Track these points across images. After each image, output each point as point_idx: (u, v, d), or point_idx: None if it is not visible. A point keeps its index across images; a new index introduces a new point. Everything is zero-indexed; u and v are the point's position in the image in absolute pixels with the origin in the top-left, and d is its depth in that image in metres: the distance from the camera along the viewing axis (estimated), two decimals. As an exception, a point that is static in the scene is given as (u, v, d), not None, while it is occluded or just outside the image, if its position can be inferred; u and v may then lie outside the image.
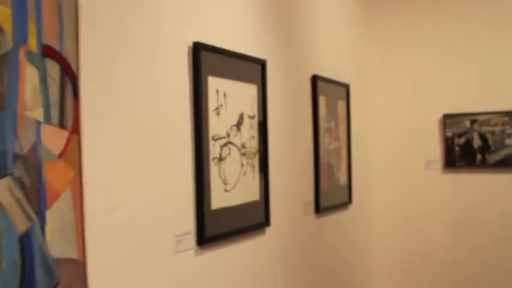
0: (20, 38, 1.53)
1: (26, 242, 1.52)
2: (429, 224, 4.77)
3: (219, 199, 2.50)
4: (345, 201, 4.13)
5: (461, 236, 4.68)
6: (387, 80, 4.87)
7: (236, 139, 2.66)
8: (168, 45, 2.22)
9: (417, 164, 4.81)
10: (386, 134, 4.88)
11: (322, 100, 3.69)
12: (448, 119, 4.68)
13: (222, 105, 2.54)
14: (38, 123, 1.57)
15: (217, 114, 2.50)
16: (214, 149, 2.47)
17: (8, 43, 1.49)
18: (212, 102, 2.46)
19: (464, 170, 4.68)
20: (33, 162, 1.55)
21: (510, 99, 4.52)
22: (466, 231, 4.66)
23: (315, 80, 3.60)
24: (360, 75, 4.61)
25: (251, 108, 2.80)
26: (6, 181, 1.47)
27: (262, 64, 2.90)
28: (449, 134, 4.70)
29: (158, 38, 2.16)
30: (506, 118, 4.51)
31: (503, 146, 4.54)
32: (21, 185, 1.51)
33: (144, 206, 2.04)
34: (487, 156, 4.60)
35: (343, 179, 4.08)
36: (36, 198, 1.56)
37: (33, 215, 1.55)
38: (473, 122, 4.62)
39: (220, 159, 2.53)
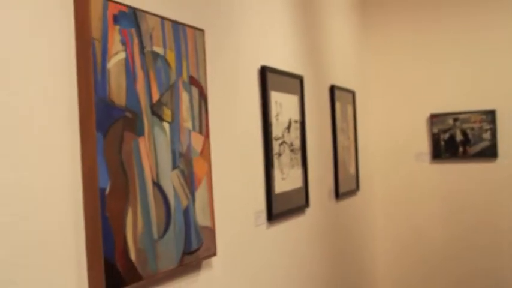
0: (179, 72, 2.10)
1: (186, 214, 2.10)
2: (420, 206, 5.38)
3: (279, 185, 3.08)
4: (354, 189, 4.71)
5: (448, 215, 5.29)
6: (383, 85, 5.47)
7: (287, 139, 3.24)
8: (246, 68, 2.79)
9: (409, 156, 5.41)
10: (382, 131, 5.47)
11: (337, 105, 4.29)
12: (434, 118, 5.29)
13: (278, 113, 3.12)
14: (189, 131, 2.15)
15: (277, 120, 3.09)
16: (275, 147, 3.05)
17: (173, 76, 2.06)
18: (273, 111, 3.04)
19: (448, 161, 5.30)
20: (188, 159, 2.13)
21: (487, 101, 5.15)
22: (452, 211, 5.27)
23: (332, 89, 4.20)
24: (361, 82, 5.21)
25: (295, 114, 3.38)
26: (176, 172, 2.05)
27: (300, 79, 3.49)
28: (435, 130, 5.30)
29: (239, 63, 2.73)
30: (484, 116, 5.13)
31: (481, 139, 5.16)
32: (182, 174, 2.09)
33: (238, 189, 2.62)
34: (467, 148, 5.22)
35: (352, 170, 4.68)
36: (189, 183, 2.13)
37: (189, 195, 2.12)
38: (455, 120, 5.23)
39: (279, 154, 3.11)
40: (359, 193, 4.86)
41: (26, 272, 1.44)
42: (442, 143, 5.27)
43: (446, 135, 5.25)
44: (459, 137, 5.21)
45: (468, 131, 5.18)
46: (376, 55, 5.46)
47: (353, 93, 4.78)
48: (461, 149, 5.21)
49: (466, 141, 5.19)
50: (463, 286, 5.20)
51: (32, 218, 1.47)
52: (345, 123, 4.50)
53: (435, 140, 5.29)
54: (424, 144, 5.35)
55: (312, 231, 3.60)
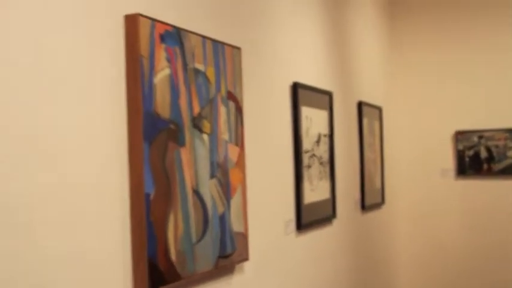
0: (218, 87, 2.22)
1: (222, 220, 2.21)
2: (444, 221, 5.43)
3: (308, 196, 3.18)
4: (380, 202, 4.79)
5: (470, 230, 5.34)
6: (409, 102, 5.54)
7: (316, 152, 3.35)
8: (278, 84, 2.91)
9: (434, 172, 5.47)
10: (408, 147, 5.54)
11: (365, 121, 4.38)
12: (460, 135, 5.36)
13: (308, 127, 3.23)
14: (226, 142, 2.26)
15: (307, 133, 3.19)
16: (305, 160, 3.16)
17: (213, 91, 2.18)
18: (304, 125, 3.15)
19: (473, 177, 5.35)
20: (224, 168, 2.24)
21: (510, 119, 5.21)
22: (475, 227, 5.32)
23: (360, 105, 4.30)
24: (388, 99, 5.30)
25: (324, 128, 3.48)
26: (214, 181, 2.16)
27: (330, 95, 3.59)
28: (460, 147, 5.37)
29: (272, 79, 2.85)
30: (508, 134, 5.19)
31: (506, 157, 5.22)
32: (219, 182, 2.20)
33: (269, 198, 2.73)
34: (492, 165, 5.27)
35: (378, 183, 4.76)
36: (225, 192, 2.25)
37: (225, 203, 2.24)
38: (480, 137, 5.29)
39: (309, 167, 3.21)
40: (384, 206, 4.94)
41: (80, 269, 1.56)
42: (467, 159, 5.33)
43: (471, 152, 5.31)
44: (484, 154, 5.27)
45: (493, 149, 5.23)
46: (403, 73, 5.54)
47: (380, 109, 4.87)
48: (485, 166, 5.27)
49: (491, 158, 5.25)
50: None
51: (86, 220, 1.59)
52: (372, 138, 4.59)
53: (460, 156, 5.35)
54: (449, 161, 5.41)
55: (338, 242, 3.69)
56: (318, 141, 3.36)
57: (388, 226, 5.08)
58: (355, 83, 4.25)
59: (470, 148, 5.31)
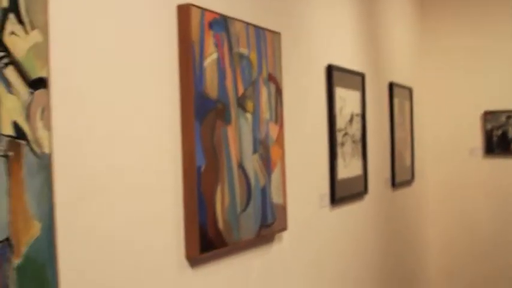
0: (259, 70, 2.36)
1: (264, 192, 2.36)
2: (471, 198, 5.52)
3: (341, 172, 3.32)
4: (409, 179, 4.91)
5: (497, 207, 5.43)
6: (439, 82, 5.61)
7: (349, 130, 3.47)
8: (314, 66, 3.04)
9: (463, 150, 5.55)
10: (438, 126, 5.62)
11: (396, 101, 4.49)
12: (488, 115, 5.42)
13: (342, 107, 3.36)
14: (267, 121, 2.41)
15: (340, 113, 3.32)
16: (339, 138, 3.29)
17: (255, 73, 2.33)
18: (337, 105, 3.28)
19: (500, 156, 5.42)
20: (266, 145, 2.39)
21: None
22: (502, 203, 5.40)
23: (391, 86, 4.40)
24: (418, 79, 5.38)
25: (357, 108, 3.61)
26: (256, 156, 2.31)
27: (362, 76, 3.71)
28: (488, 127, 5.43)
29: (309, 62, 2.98)
30: (536, 114, 5.26)
31: (533, 136, 5.29)
32: (261, 158, 2.35)
33: (305, 173, 2.88)
34: (519, 144, 5.35)
35: (407, 161, 4.87)
36: (267, 166, 2.40)
37: (266, 177, 2.39)
38: (508, 117, 5.35)
39: (342, 144, 3.35)
40: (414, 183, 5.05)
41: (141, 233, 1.73)
42: (495, 138, 5.39)
43: (499, 132, 5.37)
44: (511, 133, 5.33)
45: (520, 128, 5.29)
46: (433, 54, 5.61)
47: (410, 90, 4.96)
48: (513, 145, 5.33)
49: (518, 137, 5.31)
50: (509, 272, 5.34)
51: (147, 192, 1.76)
52: (402, 118, 4.69)
53: (488, 136, 5.41)
54: (477, 140, 5.48)
55: (369, 216, 3.83)
56: (350, 121, 3.49)
57: (417, 202, 5.19)
58: (386, 65, 4.36)
59: (498, 128, 5.38)
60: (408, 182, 4.85)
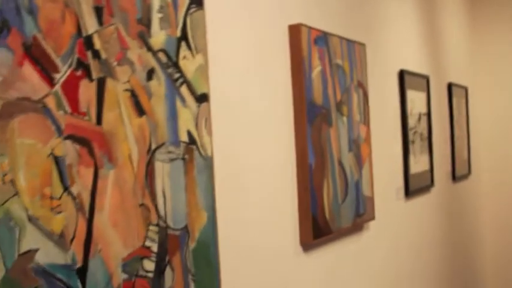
0: (351, 78, 2.58)
1: (357, 186, 2.58)
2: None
3: (413, 167, 3.51)
4: (467, 173, 5.05)
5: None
6: (492, 82, 5.74)
7: (418, 129, 3.66)
8: (389, 72, 3.24)
9: (515, 145, 5.69)
10: (490, 123, 5.75)
11: (454, 100, 4.65)
12: (539, 110, 5.54)
13: (412, 107, 3.55)
14: (358, 122, 2.63)
15: (411, 114, 3.51)
16: (410, 136, 3.48)
17: (348, 81, 2.55)
18: (409, 106, 3.48)
19: (552, 149, 5.54)
20: (357, 144, 2.61)
21: None
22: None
23: (450, 86, 4.57)
24: (473, 79, 5.52)
25: (424, 108, 3.79)
26: (351, 154, 2.53)
27: (427, 78, 3.89)
28: (540, 121, 5.55)
29: (386, 68, 3.18)
30: None
31: None
32: (355, 155, 2.57)
33: (386, 168, 3.08)
34: None
35: (465, 156, 5.02)
36: (359, 163, 2.61)
37: (359, 172, 2.60)
38: (559, 112, 5.46)
39: (413, 142, 3.54)
40: (471, 176, 5.20)
41: (268, 221, 1.97)
42: (546, 132, 5.49)
43: (550, 126, 5.47)
44: (563, 127, 5.42)
45: None
46: (486, 55, 5.74)
47: (466, 89, 5.11)
48: None
49: None
50: None
51: (273, 186, 2.00)
52: (459, 116, 4.84)
53: (540, 130, 5.51)
54: (530, 135, 5.59)
55: (435, 207, 4.01)
56: (419, 120, 3.67)
57: (474, 194, 5.34)
58: (445, 66, 4.52)
59: (549, 122, 5.47)
60: (466, 176, 5.00)
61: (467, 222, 5.04)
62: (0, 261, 1.07)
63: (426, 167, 3.80)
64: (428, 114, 3.87)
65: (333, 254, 2.42)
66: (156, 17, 1.45)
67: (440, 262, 4.10)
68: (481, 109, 5.73)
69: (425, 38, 4.00)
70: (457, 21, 5.12)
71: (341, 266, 2.50)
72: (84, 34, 1.25)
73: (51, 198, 1.17)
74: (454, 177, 4.56)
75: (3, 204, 1.07)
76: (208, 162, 1.62)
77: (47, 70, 1.17)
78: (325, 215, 2.27)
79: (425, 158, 3.78)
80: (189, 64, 1.57)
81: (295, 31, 2.16)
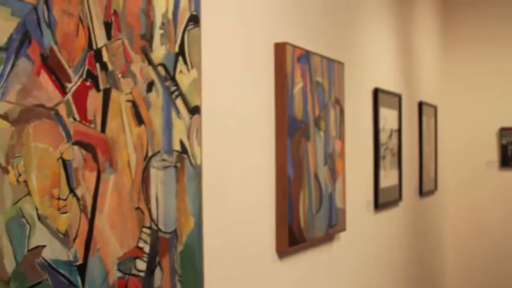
0: (329, 94, 2.71)
1: (330, 198, 2.71)
2: (487, 207, 5.85)
3: (383, 181, 3.66)
4: (433, 189, 5.24)
5: (510, 215, 5.77)
6: (460, 101, 5.96)
7: (389, 145, 3.82)
8: (364, 90, 3.39)
9: (480, 163, 5.88)
10: (458, 141, 5.96)
11: (424, 118, 4.83)
12: (504, 131, 5.75)
13: (384, 124, 3.70)
14: (334, 137, 2.76)
15: (383, 129, 3.66)
16: (381, 151, 3.63)
17: (326, 98, 2.68)
18: (381, 123, 3.63)
19: (514, 169, 5.76)
20: (332, 158, 2.73)
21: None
22: (515, 213, 5.76)
23: (421, 105, 4.74)
24: (442, 99, 5.72)
25: (395, 125, 3.95)
26: (326, 167, 2.66)
27: (399, 97, 4.05)
28: (504, 142, 5.76)
29: (361, 86, 3.33)
30: (548, 132, 5.58)
31: (545, 152, 5.61)
32: (329, 169, 2.70)
33: (357, 182, 3.22)
34: (532, 159, 5.67)
35: (432, 172, 5.20)
36: (333, 176, 2.74)
37: (333, 185, 2.73)
38: (522, 134, 5.69)
39: (384, 157, 3.69)
40: (437, 192, 5.38)
41: (247, 229, 2.08)
42: (510, 153, 5.72)
43: (514, 147, 5.70)
44: (525, 148, 5.65)
45: (533, 144, 5.61)
46: (455, 76, 5.96)
47: (435, 108, 5.30)
48: (526, 159, 5.65)
49: (531, 152, 5.63)
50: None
51: (254, 196, 2.11)
52: (428, 133, 5.02)
53: (503, 150, 5.74)
54: (493, 154, 5.81)
55: (403, 220, 4.16)
56: (390, 136, 3.83)
57: (439, 210, 5.52)
58: (416, 86, 4.70)
59: (513, 143, 5.69)
60: (432, 191, 5.18)
61: (431, 237, 5.22)
62: (12, 255, 1.15)
63: (395, 181, 3.95)
64: (399, 131, 4.03)
65: (306, 262, 2.54)
66: (157, 33, 1.56)
67: (406, 274, 4.25)
68: (449, 128, 5.93)
69: (400, 58, 4.16)
70: (430, 42, 5.31)
71: (314, 273, 2.62)
72: (94, 47, 1.35)
73: (59, 199, 1.26)
74: (421, 193, 4.73)
75: (16, 203, 1.16)
76: (198, 171, 1.73)
77: (60, 80, 1.26)
78: (301, 224, 2.38)
79: (394, 173, 3.93)
80: (184, 78, 1.67)
81: (280, 49, 2.28)
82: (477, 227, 5.89)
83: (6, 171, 1.14)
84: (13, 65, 1.16)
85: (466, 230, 5.94)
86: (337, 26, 2.95)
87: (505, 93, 5.77)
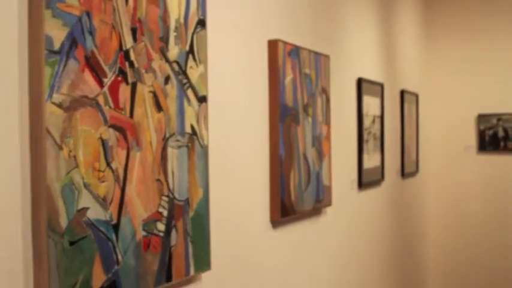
0: (316, 84, 3.02)
1: (318, 176, 3.03)
2: (466, 189, 6.20)
3: (366, 163, 3.99)
4: (414, 171, 5.57)
5: (488, 197, 6.11)
6: (440, 89, 6.29)
7: (372, 130, 4.14)
8: (349, 80, 3.70)
9: (458, 148, 6.22)
10: (438, 127, 6.29)
11: (406, 106, 5.15)
12: (481, 117, 6.09)
13: (367, 111, 4.02)
14: (321, 122, 3.08)
15: (366, 116, 3.99)
16: (365, 136, 3.96)
17: (314, 87, 2.99)
18: (364, 110, 3.95)
19: (491, 153, 6.09)
20: (319, 140, 3.05)
21: (525, 105, 5.94)
22: (492, 194, 6.08)
23: (402, 93, 5.07)
24: (423, 87, 6.05)
25: (377, 111, 4.27)
26: (313, 148, 2.98)
27: (381, 86, 4.37)
28: (482, 127, 6.10)
29: (345, 76, 3.64)
30: (522, 117, 5.94)
31: (519, 136, 5.97)
32: (316, 150, 3.02)
33: (342, 163, 3.55)
34: (508, 143, 6.00)
35: (413, 156, 5.53)
36: (320, 156, 3.06)
37: (319, 164, 3.05)
38: (498, 119, 6.02)
39: (367, 141, 4.01)
40: (418, 174, 5.72)
41: (244, 200, 2.40)
42: (487, 138, 6.06)
43: (491, 132, 6.04)
44: (501, 133, 5.99)
45: (509, 129, 5.95)
46: (435, 65, 6.28)
47: (416, 96, 5.62)
48: (502, 144, 6.00)
49: (507, 137, 5.97)
50: (497, 252, 6.03)
51: (250, 172, 2.43)
52: (410, 119, 5.35)
53: (481, 135, 6.08)
54: (471, 139, 6.15)
55: (385, 199, 4.50)
56: (373, 122, 4.15)
57: (420, 190, 5.87)
58: (398, 75, 5.02)
59: (490, 128, 6.04)
60: (413, 173, 5.51)
61: (413, 215, 5.57)
62: (65, 214, 1.47)
63: (378, 163, 4.28)
64: (382, 117, 4.35)
65: (297, 232, 2.87)
66: (172, 35, 1.87)
67: (388, 249, 4.59)
68: (430, 114, 6.26)
69: (382, 50, 4.48)
70: (412, 33, 5.63)
71: (304, 242, 2.95)
72: (124, 48, 1.66)
73: (99, 170, 1.57)
74: (403, 174, 5.07)
75: (68, 173, 1.47)
76: (205, 150, 2.04)
77: (99, 76, 1.57)
78: (291, 198, 2.71)
79: (377, 155, 4.26)
80: (193, 72, 1.98)
81: (273, 45, 2.59)
82: (456, 207, 6.24)
83: (61, 148, 1.45)
84: (65, 65, 1.47)
85: (446, 210, 6.29)
86: (323, 21, 3.26)
87: (483, 82, 6.10)
